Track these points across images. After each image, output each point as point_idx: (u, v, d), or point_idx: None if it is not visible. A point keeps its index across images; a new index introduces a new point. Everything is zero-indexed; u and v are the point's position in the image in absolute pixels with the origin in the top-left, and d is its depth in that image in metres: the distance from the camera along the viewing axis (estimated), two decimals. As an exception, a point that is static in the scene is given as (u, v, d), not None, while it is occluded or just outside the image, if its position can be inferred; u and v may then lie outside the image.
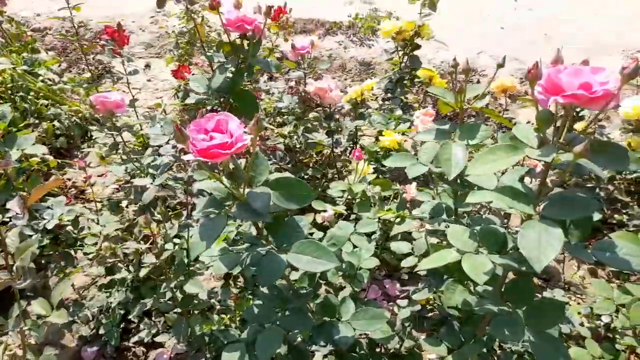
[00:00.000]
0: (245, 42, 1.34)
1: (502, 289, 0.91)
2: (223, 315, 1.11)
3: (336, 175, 1.88)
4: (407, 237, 1.22)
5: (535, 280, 1.70)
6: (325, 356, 1.16)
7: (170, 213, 1.11)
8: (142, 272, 0.96)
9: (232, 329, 1.05)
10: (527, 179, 0.85)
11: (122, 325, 1.56)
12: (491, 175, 0.90)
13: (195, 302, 1.05)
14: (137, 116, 1.99)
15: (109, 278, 1.42)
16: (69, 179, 2.30)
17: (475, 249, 0.86)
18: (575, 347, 1.23)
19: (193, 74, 2.07)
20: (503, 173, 0.86)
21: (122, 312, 1.48)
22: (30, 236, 1.24)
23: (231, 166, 0.78)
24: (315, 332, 0.97)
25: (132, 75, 1.77)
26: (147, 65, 3.40)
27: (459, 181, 1.05)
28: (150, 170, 1.24)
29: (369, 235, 1.26)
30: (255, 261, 0.81)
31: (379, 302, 1.55)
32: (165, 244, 0.96)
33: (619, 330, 1.27)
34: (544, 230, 0.71)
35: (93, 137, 1.70)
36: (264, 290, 0.96)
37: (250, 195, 0.77)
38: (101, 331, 1.43)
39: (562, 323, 1.42)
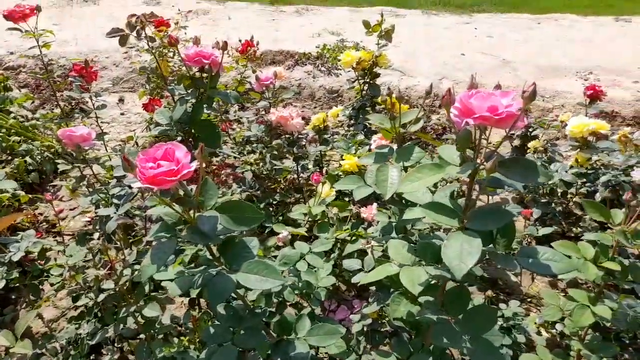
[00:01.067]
0: (204, 75, 1.41)
1: (442, 299, 0.97)
2: (182, 338, 1.14)
3: (302, 200, 1.95)
4: (362, 255, 1.28)
5: (496, 293, 1.77)
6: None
7: (131, 240, 1.15)
8: (101, 297, 0.99)
9: (191, 350, 1.09)
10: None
11: (92, 357, 1.57)
12: (426, 193, 0.97)
13: (158, 327, 1.08)
14: (106, 149, 2.03)
15: (78, 311, 1.44)
16: (41, 214, 2.32)
17: (414, 261, 0.93)
18: (527, 354, 1.29)
19: (164, 107, 2.13)
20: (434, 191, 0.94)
21: (90, 342, 1.50)
22: (-4, 269, 1.27)
23: (181, 192, 0.84)
24: (272, 349, 1.02)
25: (100, 109, 1.83)
26: (121, 100, 3.46)
27: (403, 201, 1.13)
28: (115, 201, 1.29)
29: (327, 254, 1.32)
30: (205, 281, 0.85)
31: (347, 321, 1.59)
32: (123, 269, 1.00)
33: (570, 336, 1.33)
34: (465, 240, 0.78)
35: (62, 171, 1.74)
36: (220, 310, 1.00)
37: (199, 219, 0.83)
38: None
39: (518, 333, 1.49)
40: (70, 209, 2.40)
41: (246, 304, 1.02)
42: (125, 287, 0.98)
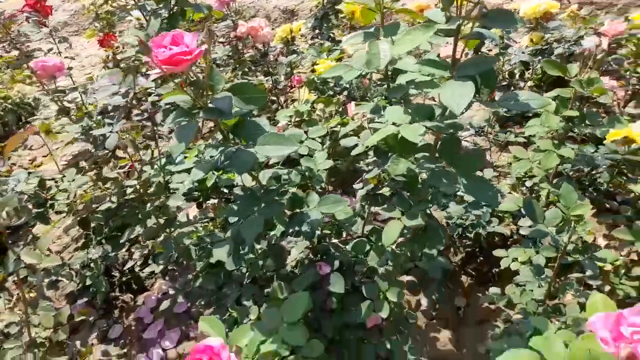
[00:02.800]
0: (174, -13, 1.40)
1: (437, 154, 1.10)
2: (206, 225, 1.23)
3: (281, 107, 2.01)
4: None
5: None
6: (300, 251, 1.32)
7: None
8: (128, 192, 1.05)
9: (216, 233, 1.19)
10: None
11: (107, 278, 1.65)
12: (416, 65, 1.06)
13: (178, 222, 1.16)
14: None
15: (81, 242, 1.50)
16: (14, 164, 2.28)
17: (410, 120, 1.04)
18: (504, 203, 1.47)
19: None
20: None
21: (104, 264, 1.57)
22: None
23: (192, 77, 0.89)
24: (289, 220, 1.13)
25: (62, 42, 1.78)
26: (69, 44, 3.29)
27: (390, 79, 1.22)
28: (107, 120, 1.31)
29: (321, 143, 1.42)
30: (228, 157, 0.93)
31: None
32: (143, 166, 1.06)
33: (540, 185, 1.52)
34: (458, 85, 0.89)
35: (26, 121, 1.71)
36: (239, 192, 1.09)
37: (214, 100, 0.89)
38: (88, 283, 1.51)
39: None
40: (43, 156, 2.36)
41: (260, 184, 1.12)
42: (147, 185, 1.04)
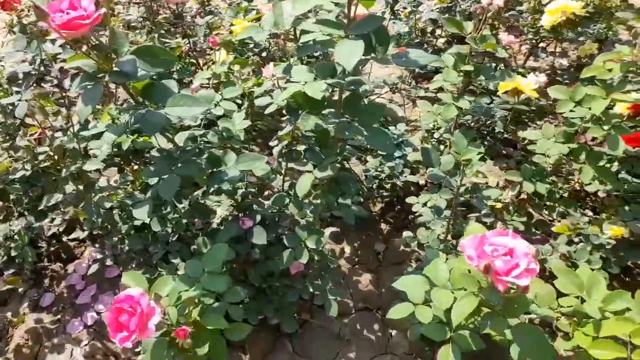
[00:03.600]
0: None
1: (341, 109, 1.19)
2: (125, 188, 1.26)
3: (200, 70, 2.01)
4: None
5: (387, 121, 2.07)
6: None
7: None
8: (40, 158, 1.06)
9: (137, 195, 1.23)
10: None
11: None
12: (315, 25, 1.12)
13: (98, 187, 1.18)
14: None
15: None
16: None
17: (314, 78, 1.11)
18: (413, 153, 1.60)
19: None
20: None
21: (28, 235, 1.55)
22: None
23: (94, 41, 0.91)
24: (209, 178, 1.19)
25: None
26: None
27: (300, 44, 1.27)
28: (15, 89, 1.27)
29: (239, 104, 1.46)
30: (138, 119, 0.97)
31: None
32: (54, 133, 1.06)
33: (443, 136, 1.66)
34: (350, 43, 0.97)
35: None
36: (155, 153, 1.13)
37: (119, 64, 0.92)
38: (13, 255, 1.50)
39: (406, 146, 1.81)
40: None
41: (177, 145, 1.16)
42: (62, 151, 1.05)
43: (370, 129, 1.12)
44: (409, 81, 2.21)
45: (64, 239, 1.78)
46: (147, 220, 1.07)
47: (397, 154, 1.72)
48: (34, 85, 1.27)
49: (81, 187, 1.16)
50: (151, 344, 0.99)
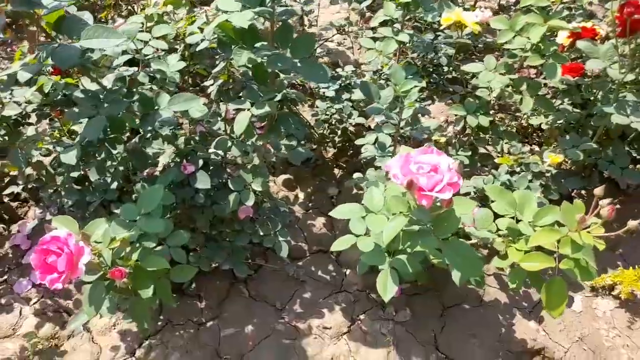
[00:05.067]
0: None
1: (274, 40, 1.15)
2: (52, 133, 1.21)
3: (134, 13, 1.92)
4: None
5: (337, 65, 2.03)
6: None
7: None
8: None
9: (65, 140, 1.18)
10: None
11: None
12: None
13: (24, 137, 1.12)
14: None
15: None
16: None
17: (240, 8, 1.07)
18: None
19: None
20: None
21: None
22: None
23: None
24: (141, 121, 1.15)
25: None
26: None
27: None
28: None
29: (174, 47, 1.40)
30: (49, 53, 0.91)
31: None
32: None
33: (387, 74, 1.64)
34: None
35: None
36: (79, 94, 1.08)
37: (20, -9, 0.85)
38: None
39: (354, 88, 1.79)
40: None
41: (102, 86, 1.11)
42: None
43: (304, 61, 1.10)
44: (358, 23, 2.17)
45: (5, 200, 1.71)
46: (73, 163, 1.03)
47: (344, 96, 1.70)
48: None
49: (6, 137, 1.10)
50: (88, 287, 0.97)
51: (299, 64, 1.09)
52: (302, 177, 1.87)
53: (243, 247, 1.45)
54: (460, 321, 1.47)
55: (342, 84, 1.73)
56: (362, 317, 1.48)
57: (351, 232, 1.12)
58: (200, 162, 1.31)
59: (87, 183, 1.35)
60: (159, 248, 1.13)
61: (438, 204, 0.86)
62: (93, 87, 1.13)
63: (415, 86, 1.21)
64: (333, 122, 1.83)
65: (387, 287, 0.96)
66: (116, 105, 1.05)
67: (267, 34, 1.19)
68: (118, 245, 0.95)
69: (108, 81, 1.15)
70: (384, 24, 1.47)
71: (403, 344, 1.42)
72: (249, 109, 1.18)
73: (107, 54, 1.13)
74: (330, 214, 1.07)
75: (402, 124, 1.29)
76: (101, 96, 1.08)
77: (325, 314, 1.48)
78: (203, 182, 1.28)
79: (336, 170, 1.92)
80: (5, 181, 1.29)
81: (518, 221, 1.05)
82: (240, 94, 1.23)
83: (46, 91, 1.08)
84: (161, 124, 1.14)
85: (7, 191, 1.33)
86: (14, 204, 1.71)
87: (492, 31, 1.99)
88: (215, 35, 1.21)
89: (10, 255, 1.58)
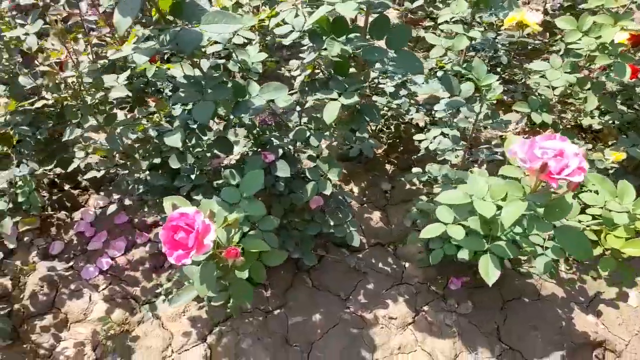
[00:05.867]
0: None
1: (368, 32, 1.18)
2: (150, 118, 1.23)
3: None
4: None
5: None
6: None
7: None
8: (65, 90, 0.99)
9: (163, 125, 1.19)
10: None
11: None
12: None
13: (118, 120, 1.14)
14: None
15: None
16: None
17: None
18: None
19: None
20: None
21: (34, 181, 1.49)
22: None
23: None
24: (234, 108, 1.17)
25: None
26: None
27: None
28: (19, 21, 1.19)
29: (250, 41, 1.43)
30: (173, 36, 0.93)
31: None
32: (77, 58, 1.01)
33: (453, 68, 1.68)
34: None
35: None
36: (181, 80, 1.10)
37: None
38: (20, 200, 1.44)
39: (407, 90, 1.82)
40: None
41: (203, 72, 1.13)
42: (81, 79, 0.99)
43: (399, 52, 1.13)
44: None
45: (66, 187, 1.72)
46: (179, 146, 1.05)
47: (402, 92, 1.73)
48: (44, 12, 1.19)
49: (101, 120, 1.11)
50: (197, 268, 0.99)
51: (394, 55, 1.12)
52: (355, 172, 1.90)
53: (312, 237, 1.47)
54: (520, 314, 1.50)
55: (400, 81, 1.76)
56: (425, 308, 1.50)
57: (438, 220, 1.15)
58: (280, 151, 1.33)
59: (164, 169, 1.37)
60: (252, 232, 1.15)
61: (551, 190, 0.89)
62: (188, 70, 1.15)
63: (497, 80, 1.24)
64: (387, 117, 1.86)
65: (489, 271, 0.99)
66: (219, 91, 1.08)
67: (356, 26, 1.21)
68: (229, 226, 0.97)
69: (204, 67, 1.17)
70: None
71: (467, 335, 1.44)
72: (336, 99, 1.20)
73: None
74: (436, 199, 1.10)
75: (481, 116, 1.32)
76: (202, 82, 1.10)
77: (390, 304, 1.51)
78: (283, 170, 1.30)
79: (387, 166, 1.95)
80: (68, 169, 1.30)
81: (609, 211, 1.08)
82: (326, 84, 1.25)
83: (149, 75, 1.10)
84: (254, 111, 1.16)
85: (88, 176, 1.34)
86: (75, 191, 1.72)
87: (539, 32, 2.02)
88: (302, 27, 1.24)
89: (75, 242, 1.59)
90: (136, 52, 0.98)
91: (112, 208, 1.41)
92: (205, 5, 0.98)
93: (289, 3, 1.23)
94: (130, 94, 1.09)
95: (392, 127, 1.88)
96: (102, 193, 1.72)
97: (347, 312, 1.48)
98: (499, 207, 0.95)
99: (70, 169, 1.26)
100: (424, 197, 1.73)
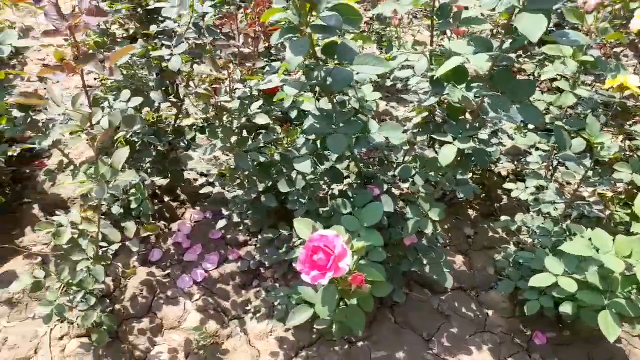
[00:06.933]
0: None
1: (493, 83, 1.23)
2: (279, 143, 1.31)
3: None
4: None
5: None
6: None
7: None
8: (214, 111, 1.09)
9: (293, 151, 1.28)
10: None
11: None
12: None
13: (250, 142, 1.22)
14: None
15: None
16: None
17: (473, 52, 1.16)
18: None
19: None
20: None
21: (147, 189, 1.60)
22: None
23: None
24: (356, 143, 1.24)
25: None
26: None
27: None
28: (165, 42, 1.32)
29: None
30: (327, 74, 1.02)
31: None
32: (233, 85, 1.11)
33: (555, 124, 1.71)
34: (534, 17, 1.01)
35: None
36: (315, 112, 1.18)
37: (323, 18, 0.97)
38: (133, 207, 1.55)
39: (498, 138, 1.85)
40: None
41: (334, 107, 1.21)
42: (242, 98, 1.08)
43: (523, 104, 1.17)
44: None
45: (166, 199, 1.83)
46: (309, 172, 1.12)
47: (494, 140, 1.76)
48: (186, 40, 1.32)
49: (234, 140, 1.20)
50: (320, 290, 1.03)
51: (517, 107, 1.16)
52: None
53: (403, 273, 1.50)
54: (608, 378, 1.45)
55: (492, 130, 1.80)
56: (509, 360, 1.48)
57: (545, 270, 1.16)
58: (386, 186, 1.39)
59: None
60: (362, 262, 1.19)
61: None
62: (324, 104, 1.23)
63: (610, 139, 1.26)
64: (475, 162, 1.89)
65: (610, 328, 0.99)
66: (351, 126, 1.15)
67: (476, 75, 1.28)
68: (356, 253, 1.02)
69: (324, 102, 1.25)
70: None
71: (553, 392, 1.41)
72: (452, 142, 1.25)
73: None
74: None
75: (590, 173, 1.34)
76: (333, 116, 1.18)
77: (474, 352, 1.49)
78: (388, 205, 1.34)
79: (470, 211, 1.96)
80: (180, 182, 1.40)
81: None
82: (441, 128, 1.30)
83: (286, 105, 1.19)
84: (375, 146, 1.23)
85: (204, 191, 1.44)
86: (174, 204, 1.83)
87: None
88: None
89: (172, 252, 1.68)
90: (286, 84, 1.08)
91: (222, 223, 1.48)
92: (355, 48, 1.06)
93: (411, 50, 1.31)
94: (271, 122, 1.19)
95: (478, 173, 1.91)
96: (197, 208, 1.82)
97: (430, 353, 1.48)
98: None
99: (180, 182, 1.34)
100: (511, 246, 1.74)
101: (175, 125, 1.62)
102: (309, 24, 0.99)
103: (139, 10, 1.85)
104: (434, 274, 1.46)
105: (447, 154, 1.23)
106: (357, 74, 1.04)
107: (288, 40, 0.97)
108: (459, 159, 1.37)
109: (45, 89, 2.28)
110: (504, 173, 2.08)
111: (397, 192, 1.60)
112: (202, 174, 1.94)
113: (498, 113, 1.23)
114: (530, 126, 1.93)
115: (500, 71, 1.21)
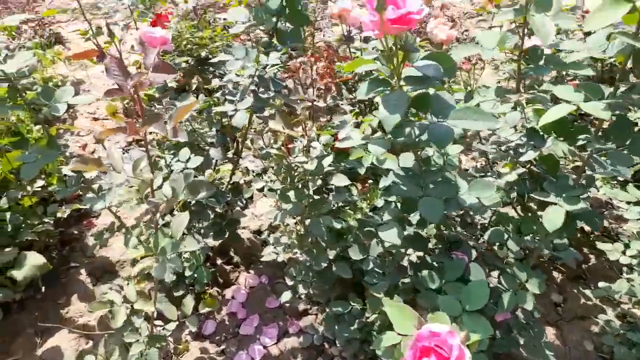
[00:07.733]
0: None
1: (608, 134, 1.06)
2: (357, 207, 1.16)
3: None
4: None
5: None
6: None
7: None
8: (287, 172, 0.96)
9: (373, 216, 1.12)
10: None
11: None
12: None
13: (324, 205, 1.08)
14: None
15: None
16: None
17: (583, 99, 1.00)
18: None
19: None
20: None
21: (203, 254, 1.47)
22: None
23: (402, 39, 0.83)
24: (447, 205, 1.07)
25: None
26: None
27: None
28: (229, 97, 1.23)
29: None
30: (423, 130, 0.87)
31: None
32: (310, 143, 0.98)
33: None
34: None
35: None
36: (399, 172, 1.03)
37: (419, 67, 0.84)
38: (187, 274, 1.41)
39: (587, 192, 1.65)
40: (94, 143, 2.23)
41: (421, 166, 1.06)
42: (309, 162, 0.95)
43: None
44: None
45: (218, 262, 1.69)
46: (398, 242, 0.96)
47: (583, 195, 1.56)
48: (252, 94, 1.22)
49: (305, 203, 1.07)
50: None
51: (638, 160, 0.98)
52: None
53: (496, 355, 1.28)
54: None
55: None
56: None
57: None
58: (474, 253, 1.20)
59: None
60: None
61: None
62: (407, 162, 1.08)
63: None
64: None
65: None
66: (443, 188, 0.99)
67: (579, 126, 1.11)
68: (467, 348, 0.83)
69: (405, 160, 1.10)
70: None
71: None
72: (556, 203, 1.07)
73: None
74: None
75: None
76: (420, 175, 1.03)
77: None
78: (478, 275, 1.16)
79: (555, 273, 1.74)
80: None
81: None
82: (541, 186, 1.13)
83: (366, 165, 1.05)
84: (467, 208, 1.06)
85: (266, 258, 1.30)
86: (227, 267, 1.69)
87: None
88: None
89: (227, 323, 1.52)
90: (371, 142, 0.94)
91: (287, 296, 1.32)
92: (450, 100, 0.92)
93: (496, 98, 1.17)
94: (351, 183, 1.05)
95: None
96: (251, 271, 1.67)
97: None
98: None
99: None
100: (612, 318, 1.50)
101: (231, 182, 1.50)
102: (400, 76, 0.85)
103: (190, 60, 1.80)
104: (533, 356, 1.24)
105: (553, 218, 1.05)
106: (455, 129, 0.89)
107: (379, 95, 0.83)
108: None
109: (97, 144, 2.24)
110: (586, 228, 1.85)
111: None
112: (255, 232, 1.81)
113: (606, 168, 1.06)
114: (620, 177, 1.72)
115: (616, 121, 1.04)
